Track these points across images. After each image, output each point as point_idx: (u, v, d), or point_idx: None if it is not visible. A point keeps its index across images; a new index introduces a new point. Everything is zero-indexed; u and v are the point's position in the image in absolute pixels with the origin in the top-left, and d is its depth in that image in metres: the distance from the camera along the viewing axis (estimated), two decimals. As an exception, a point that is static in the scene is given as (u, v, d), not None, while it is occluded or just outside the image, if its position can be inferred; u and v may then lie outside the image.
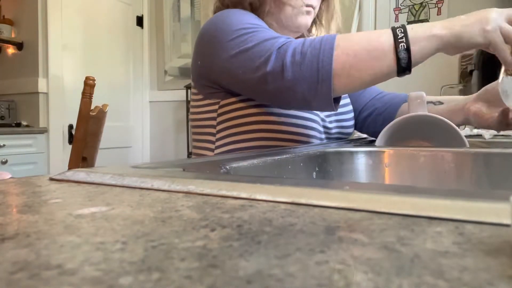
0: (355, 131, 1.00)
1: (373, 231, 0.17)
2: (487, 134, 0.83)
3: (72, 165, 1.30)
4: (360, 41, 0.57)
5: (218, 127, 0.78)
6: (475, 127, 0.88)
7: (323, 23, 0.89)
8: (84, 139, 1.31)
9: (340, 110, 0.86)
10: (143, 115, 3.19)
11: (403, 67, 0.55)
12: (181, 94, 2.95)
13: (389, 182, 0.60)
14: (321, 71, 0.56)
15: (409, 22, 2.09)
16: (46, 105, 2.47)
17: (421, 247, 0.14)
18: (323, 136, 0.81)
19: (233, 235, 0.16)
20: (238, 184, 0.26)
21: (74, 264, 0.13)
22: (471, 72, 1.35)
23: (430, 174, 0.57)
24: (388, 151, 0.60)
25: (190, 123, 0.87)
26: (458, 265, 0.13)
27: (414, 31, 0.56)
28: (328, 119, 0.83)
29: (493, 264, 0.13)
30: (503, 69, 0.58)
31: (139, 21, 3.15)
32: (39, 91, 2.43)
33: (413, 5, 2.10)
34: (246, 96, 0.73)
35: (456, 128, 0.61)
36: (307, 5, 0.80)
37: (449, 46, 0.56)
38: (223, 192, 0.25)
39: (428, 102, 0.74)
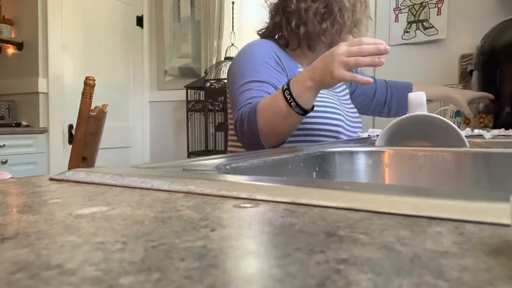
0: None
1: (373, 231, 0.17)
2: (487, 134, 0.83)
3: (72, 165, 1.30)
4: (270, 110, 0.78)
5: None
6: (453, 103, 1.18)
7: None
8: (84, 139, 1.31)
9: (352, 112, 1.08)
10: (143, 115, 3.19)
11: (302, 113, 0.77)
12: (181, 94, 2.94)
13: (389, 182, 0.60)
14: (255, 136, 0.80)
15: (409, 22, 2.08)
16: (46, 105, 2.47)
17: (421, 247, 0.14)
18: (346, 132, 0.99)
19: (233, 235, 0.16)
20: (238, 184, 0.26)
21: (74, 264, 0.13)
22: (471, 72, 1.35)
23: (430, 174, 0.57)
24: (388, 151, 0.60)
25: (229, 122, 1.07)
26: (458, 265, 0.13)
27: (296, 90, 0.75)
28: (348, 119, 1.02)
29: (493, 264, 0.13)
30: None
31: (139, 21, 3.15)
32: (39, 91, 2.43)
33: (413, 5, 2.09)
34: None
35: (456, 128, 0.61)
36: None
37: (321, 88, 0.76)
38: (223, 192, 0.25)
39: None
